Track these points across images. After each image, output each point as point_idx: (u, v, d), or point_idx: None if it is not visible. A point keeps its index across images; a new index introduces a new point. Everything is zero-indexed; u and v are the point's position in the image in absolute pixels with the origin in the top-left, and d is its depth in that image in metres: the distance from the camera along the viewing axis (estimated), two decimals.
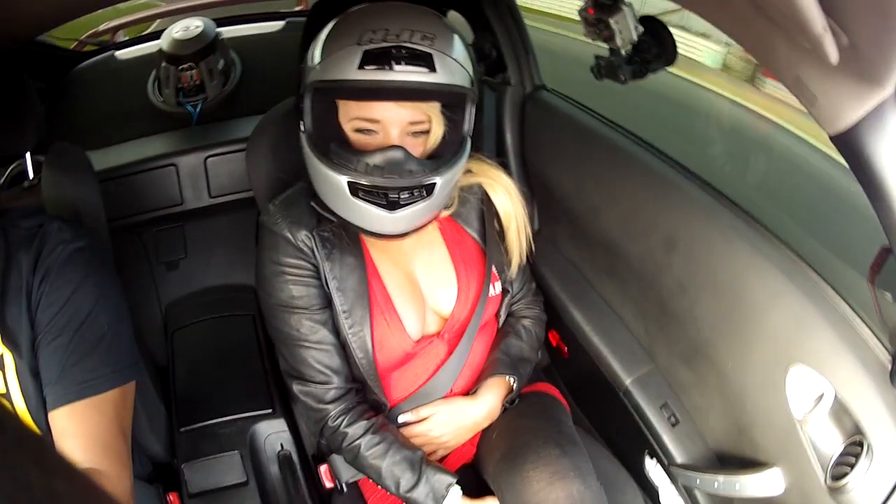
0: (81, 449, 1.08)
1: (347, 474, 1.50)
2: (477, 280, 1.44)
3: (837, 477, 1.11)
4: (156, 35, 2.40)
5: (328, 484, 1.54)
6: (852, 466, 1.08)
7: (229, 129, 2.17)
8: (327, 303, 1.35)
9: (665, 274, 1.46)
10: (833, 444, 1.14)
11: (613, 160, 1.62)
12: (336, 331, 1.36)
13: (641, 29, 1.32)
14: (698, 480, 1.41)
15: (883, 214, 0.94)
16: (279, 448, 1.69)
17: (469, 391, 1.48)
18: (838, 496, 1.11)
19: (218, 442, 1.65)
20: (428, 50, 1.15)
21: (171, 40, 2.23)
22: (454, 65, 1.18)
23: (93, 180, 1.50)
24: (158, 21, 2.81)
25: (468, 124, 1.25)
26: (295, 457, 1.69)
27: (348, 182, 1.19)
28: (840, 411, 1.13)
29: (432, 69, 1.14)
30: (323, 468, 1.55)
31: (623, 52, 1.39)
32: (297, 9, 2.87)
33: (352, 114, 1.23)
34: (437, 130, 1.26)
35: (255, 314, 1.99)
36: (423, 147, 1.25)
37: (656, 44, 1.36)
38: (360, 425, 1.35)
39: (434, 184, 1.21)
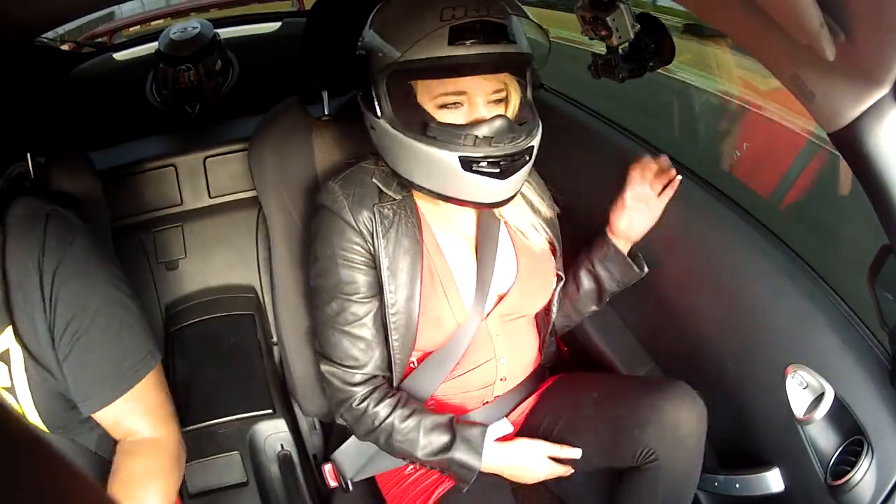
0: (144, 426, 1.18)
1: (352, 472, 1.49)
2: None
3: (837, 476, 1.11)
4: (153, 37, 2.39)
5: (332, 483, 1.53)
6: (852, 466, 1.08)
7: (228, 129, 2.16)
8: (375, 291, 1.34)
9: (665, 273, 1.45)
10: (833, 444, 1.14)
11: (613, 159, 1.61)
12: (380, 319, 1.35)
13: (638, 27, 1.31)
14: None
15: (883, 213, 0.94)
16: (279, 448, 1.69)
17: (512, 382, 1.46)
18: (838, 495, 1.10)
19: (218, 442, 1.65)
20: (504, 22, 1.18)
21: (169, 42, 2.22)
22: (522, 32, 1.21)
23: (95, 181, 1.49)
24: (156, 23, 2.81)
25: (530, 86, 1.30)
26: (295, 457, 1.69)
27: (460, 157, 1.19)
28: (840, 411, 1.13)
29: (512, 39, 1.18)
30: (327, 467, 1.54)
31: (620, 50, 1.38)
32: (294, 9, 2.87)
33: (436, 91, 1.23)
34: (515, 96, 1.28)
35: (255, 314, 1.99)
36: (504, 113, 1.27)
37: (653, 42, 1.35)
38: (388, 402, 1.34)
39: (532, 146, 1.24)
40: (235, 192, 2.06)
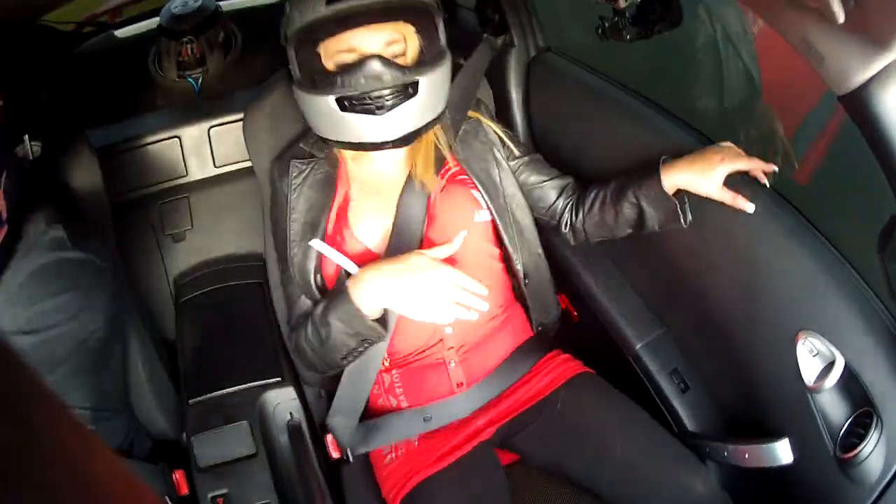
0: None
1: (350, 443, 1.49)
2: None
3: (847, 449, 1.09)
4: (154, 12, 2.36)
5: (335, 454, 1.53)
6: (862, 438, 1.07)
7: (231, 100, 2.15)
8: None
9: (675, 239, 1.43)
10: (842, 415, 1.13)
11: (623, 122, 1.58)
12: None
13: None
14: (707, 449, 1.40)
15: (893, 178, 0.92)
16: (289, 417, 1.68)
17: (470, 337, 1.46)
18: (847, 468, 1.09)
19: (226, 412, 1.64)
20: None
21: (170, 16, 2.20)
22: None
23: (92, 162, 1.49)
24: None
25: (442, 37, 1.32)
26: (304, 426, 1.68)
27: (336, 99, 1.24)
28: (850, 380, 1.11)
29: None
30: (329, 438, 1.54)
31: (627, 13, 1.34)
32: None
33: (331, 50, 1.29)
34: (413, 45, 1.31)
35: (263, 282, 1.98)
36: (403, 63, 1.30)
37: (661, 4, 1.31)
38: (302, 323, 1.40)
39: (417, 82, 1.26)
40: (240, 161, 2.05)
